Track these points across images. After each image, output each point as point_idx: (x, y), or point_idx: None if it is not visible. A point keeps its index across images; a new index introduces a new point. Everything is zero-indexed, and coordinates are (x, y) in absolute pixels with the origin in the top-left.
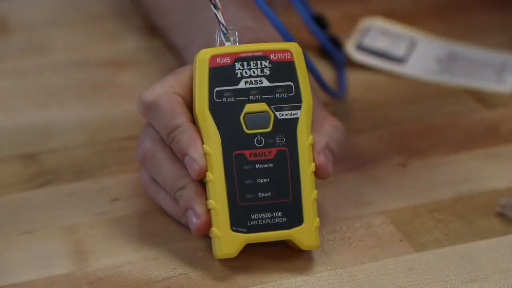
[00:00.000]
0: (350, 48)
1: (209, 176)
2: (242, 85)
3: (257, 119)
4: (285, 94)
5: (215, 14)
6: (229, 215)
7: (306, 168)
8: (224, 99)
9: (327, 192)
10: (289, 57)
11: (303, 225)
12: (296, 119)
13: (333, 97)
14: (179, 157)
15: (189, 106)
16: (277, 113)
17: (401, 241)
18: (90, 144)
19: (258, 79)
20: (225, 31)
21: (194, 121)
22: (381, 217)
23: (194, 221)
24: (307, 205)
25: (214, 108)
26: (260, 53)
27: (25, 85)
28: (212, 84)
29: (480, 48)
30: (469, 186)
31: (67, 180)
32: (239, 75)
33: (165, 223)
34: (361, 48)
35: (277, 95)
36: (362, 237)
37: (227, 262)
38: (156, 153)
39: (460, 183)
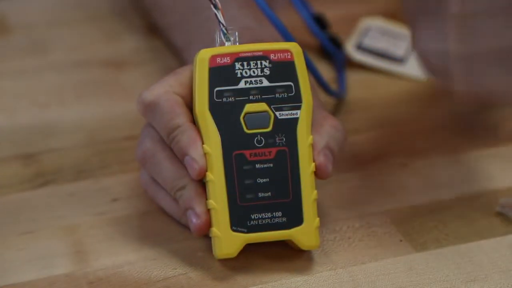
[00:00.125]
0: (350, 48)
1: (209, 176)
2: (242, 85)
3: (257, 119)
4: (285, 94)
5: (215, 14)
6: (229, 215)
7: (306, 168)
8: (224, 99)
9: (327, 192)
10: (289, 57)
11: (303, 225)
12: (296, 119)
13: (333, 97)
14: (179, 157)
15: (189, 106)
16: (277, 113)
17: (401, 241)
18: (90, 144)
19: (258, 79)
20: (225, 31)
21: (194, 121)
22: (381, 217)
23: (194, 221)
24: (307, 205)
25: (214, 108)
26: (260, 53)
27: (25, 85)
28: (212, 84)
29: None
30: (469, 186)
31: (67, 180)
32: (239, 75)
33: (165, 223)
34: (361, 48)
35: (277, 95)
36: (362, 237)
37: (227, 262)
38: (156, 153)
39: (460, 183)
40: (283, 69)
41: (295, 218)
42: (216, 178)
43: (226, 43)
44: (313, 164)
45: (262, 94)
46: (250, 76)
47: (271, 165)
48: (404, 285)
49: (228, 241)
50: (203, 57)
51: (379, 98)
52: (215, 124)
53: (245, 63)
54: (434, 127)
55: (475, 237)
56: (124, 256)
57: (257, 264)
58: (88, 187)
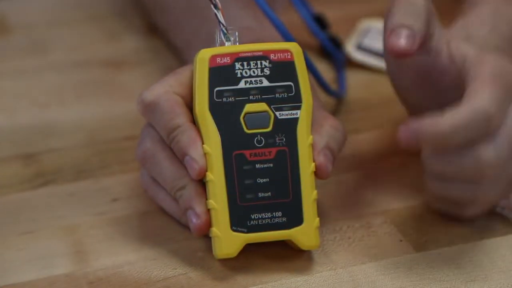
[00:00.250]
0: (350, 48)
1: (209, 176)
2: (242, 85)
3: (257, 119)
4: (285, 94)
5: (215, 14)
6: (229, 215)
7: (306, 168)
8: (224, 99)
9: (327, 192)
10: (289, 57)
11: (303, 225)
12: (296, 119)
13: (333, 97)
14: (179, 157)
15: (189, 106)
16: (277, 113)
17: (401, 241)
18: (90, 144)
19: (258, 79)
20: (225, 31)
21: (194, 121)
22: (381, 217)
23: (194, 221)
24: (307, 205)
25: (214, 108)
26: (260, 53)
27: (25, 85)
28: (212, 84)
29: None
30: None
31: (67, 180)
32: (239, 75)
33: (165, 223)
34: (361, 48)
35: (277, 95)
36: (362, 237)
37: (227, 262)
38: (156, 153)
39: None
40: (283, 69)
41: (295, 218)
42: (216, 178)
43: (226, 43)
44: (313, 164)
45: (262, 94)
46: (250, 76)
47: (271, 165)
48: (404, 285)
49: (228, 241)
50: (203, 57)
51: (379, 98)
52: (215, 124)
53: (245, 63)
54: None
55: (475, 237)
56: (124, 256)
57: (257, 264)
58: (88, 187)
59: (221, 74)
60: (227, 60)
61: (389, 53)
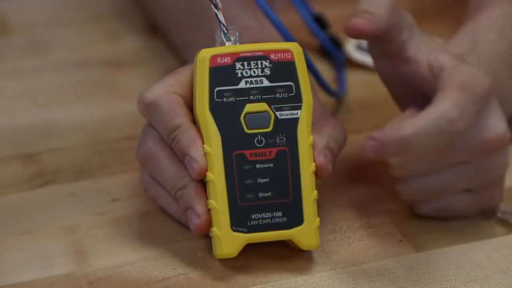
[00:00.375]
0: (350, 48)
1: (210, 176)
2: (242, 85)
3: (258, 119)
4: (286, 94)
5: (216, 14)
6: (229, 215)
7: (307, 168)
8: (225, 99)
9: (327, 192)
10: (289, 57)
11: (303, 225)
12: (297, 119)
13: (333, 97)
14: (179, 157)
15: (190, 106)
16: (277, 113)
17: (401, 241)
18: (90, 144)
19: (258, 79)
20: (225, 31)
21: (194, 121)
22: (381, 217)
23: (194, 220)
24: (308, 205)
25: (215, 108)
26: (261, 53)
27: (25, 85)
28: (213, 84)
29: None
30: None
31: (67, 180)
32: (239, 75)
33: (165, 223)
34: (361, 48)
35: (277, 95)
36: (362, 237)
37: (227, 262)
38: (156, 153)
39: None
40: (283, 69)
41: (295, 218)
42: (217, 178)
43: (227, 43)
44: (313, 164)
45: (262, 94)
46: (251, 76)
47: (272, 165)
48: (404, 285)
49: (228, 241)
50: (204, 57)
51: (379, 98)
52: (215, 124)
53: (245, 63)
54: None
55: (475, 237)
56: (124, 256)
57: (257, 264)
58: (88, 187)
59: (221, 74)
60: (227, 60)
61: (347, 31)
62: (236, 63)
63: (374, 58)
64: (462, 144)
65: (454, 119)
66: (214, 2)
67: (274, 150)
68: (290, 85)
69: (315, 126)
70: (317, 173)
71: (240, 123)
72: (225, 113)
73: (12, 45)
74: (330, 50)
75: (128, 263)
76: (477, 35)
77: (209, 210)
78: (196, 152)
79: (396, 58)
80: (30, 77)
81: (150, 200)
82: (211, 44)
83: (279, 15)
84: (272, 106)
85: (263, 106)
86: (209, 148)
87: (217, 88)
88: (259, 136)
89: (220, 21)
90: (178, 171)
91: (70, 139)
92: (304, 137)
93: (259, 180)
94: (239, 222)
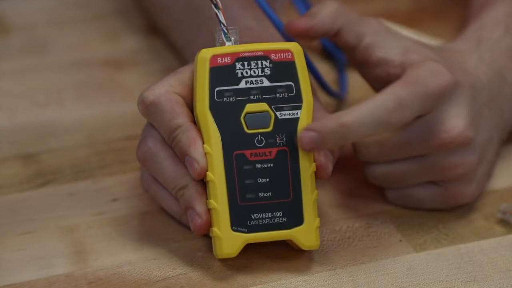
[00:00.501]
0: None
1: (210, 176)
2: (242, 85)
3: (258, 119)
4: (286, 94)
5: (216, 14)
6: (229, 215)
7: (307, 168)
8: (225, 99)
9: (327, 192)
10: (289, 57)
11: (303, 225)
12: (297, 119)
13: (334, 98)
14: (179, 157)
15: (190, 105)
16: (277, 113)
17: (400, 241)
18: (90, 144)
19: (258, 79)
20: (226, 30)
21: (194, 121)
22: (381, 217)
23: (195, 220)
24: (308, 205)
25: (215, 107)
26: (261, 53)
27: (25, 85)
28: (213, 83)
29: None
30: None
31: (67, 180)
32: (239, 75)
33: (165, 223)
34: None
35: (277, 95)
36: (362, 237)
37: (227, 262)
38: (157, 153)
39: None
40: (283, 69)
41: (295, 218)
42: (217, 178)
43: (227, 43)
44: (313, 164)
45: (262, 94)
46: (251, 76)
47: (272, 165)
48: (404, 285)
49: (228, 241)
50: (204, 57)
51: None
52: (215, 124)
53: (245, 63)
54: None
55: (475, 237)
56: (123, 256)
57: (257, 264)
58: (88, 187)
59: (221, 74)
60: (227, 60)
61: (288, 31)
62: (236, 63)
63: (353, 67)
64: (418, 139)
65: (391, 111)
66: (215, 2)
67: (274, 150)
68: (290, 85)
69: None
70: (317, 173)
71: (240, 123)
72: (225, 113)
73: (12, 45)
74: (331, 51)
75: (128, 263)
76: (482, 32)
77: (209, 210)
78: (196, 152)
79: (367, 63)
80: (30, 77)
81: (150, 200)
82: (211, 43)
83: (279, 14)
84: (272, 106)
85: (263, 106)
86: (209, 148)
87: (217, 88)
88: (259, 136)
89: (220, 21)
90: (178, 171)
91: (70, 139)
92: None
93: (259, 180)
94: (239, 222)
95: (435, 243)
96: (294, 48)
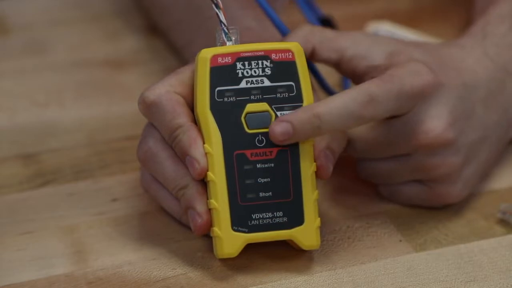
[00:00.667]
0: None
1: (210, 176)
2: (243, 84)
3: (258, 118)
4: (286, 94)
5: (217, 14)
6: (230, 214)
7: (307, 168)
8: (225, 99)
9: (327, 192)
10: (290, 57)
11: (304, 225)
12: None
13: None
14: (180, 157)
15: (190, 105)
16: (278, 113)
17: (400, 241)
18: (90, 144)
19: (259, 78)
20: (226, 30)
21: (195, 121)
22: (380, 217)
23: (195, 220)
24: (308, 205)
25: (215, 107)
26: (262, 53)
27: (25, 85)
28: (213, 83)
29: None
30: None
31: (67, 180)
32: (240, 75)
33: (165, 223)
34: None
35: (278, 95)
36: (362, 237)
37: (227, 262)
38: (157, 153)
39: None
40: (284, 69)
41: (296, 218)
42: (217, 178)
43: (228, 43)
44: (314, 164)
45: (263, 94)
46: (251, 76)
47: (272, 165)
48: (404, 285)
49: (229, 241)
50: (205, 57)
51: None
52: (216, 124)
53: (246, 63)
54: None
55: (475, 237)
56: (123, 256)
57: (257, 264)
58: (88, 187)
59: (222, 73)
60: (228, 59)
61: None
62: (237, 63)
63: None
64: (399, 138)
65: (363, 105)
66: (215, 1)
67: (275, 150)
68: (291, 85)
69: None
70: (318, 174)
71: (241, 123)
72: (226, 113)
73: (12, 45)
74: None
75: (128, 263)
76: (487, 28)
77: (209, 210)
78: (197, 152)
79: (355, 74)
80: (29, 77)
81: (150, 200)
82: (212, 43)
83: (281, 15)
84: (272, 106)
85: (264, 106)
86: (210, 148)
87: (218, 88)
88: (259, 136)
89: (221, 21)
90: (179, 171)
91: (70, 139)
92: None
93: (259, 180)
94: (239, 222)
95: (435, 243)
96: (295, 48)
